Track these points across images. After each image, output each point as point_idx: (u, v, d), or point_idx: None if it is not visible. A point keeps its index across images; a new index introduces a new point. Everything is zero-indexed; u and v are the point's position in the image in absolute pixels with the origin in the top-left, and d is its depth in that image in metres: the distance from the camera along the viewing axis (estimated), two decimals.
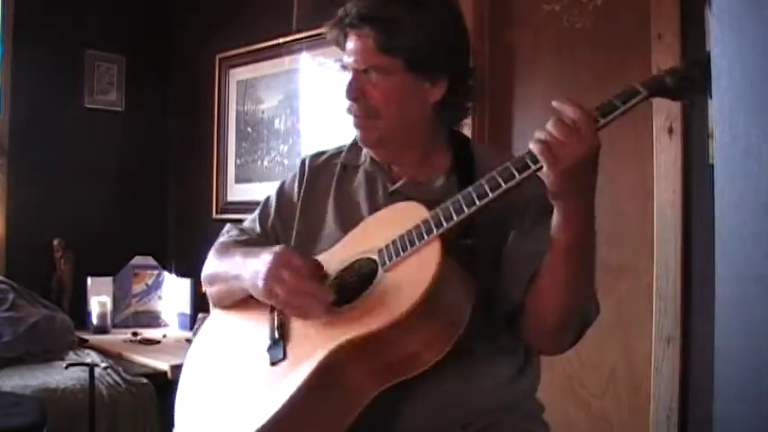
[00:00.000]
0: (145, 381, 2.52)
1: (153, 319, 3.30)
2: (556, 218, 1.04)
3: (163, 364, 2.56)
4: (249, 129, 3.36)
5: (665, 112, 2.02)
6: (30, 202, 3.26)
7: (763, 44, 0.72)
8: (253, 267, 1.17)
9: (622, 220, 2.19)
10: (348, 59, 1.23)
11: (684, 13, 1.99)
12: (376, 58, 1.19)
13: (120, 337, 3.01)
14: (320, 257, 1.21)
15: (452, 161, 1.27)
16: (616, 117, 1.03)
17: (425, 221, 1.08)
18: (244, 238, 1.38)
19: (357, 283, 1.13)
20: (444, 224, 1.06)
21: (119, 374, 2.49)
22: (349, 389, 1.05)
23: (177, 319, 3.28)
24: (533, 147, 0.99)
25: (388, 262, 1.09)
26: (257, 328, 1.19)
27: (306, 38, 2.96)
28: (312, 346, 1.06)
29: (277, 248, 1.16)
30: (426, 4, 1.20)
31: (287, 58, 3.09)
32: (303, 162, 1.39)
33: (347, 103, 1.24)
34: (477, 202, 1.04)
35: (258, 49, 3.24)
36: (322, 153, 1.40)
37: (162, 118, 3.72)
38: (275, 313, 1.18)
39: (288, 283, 1.10)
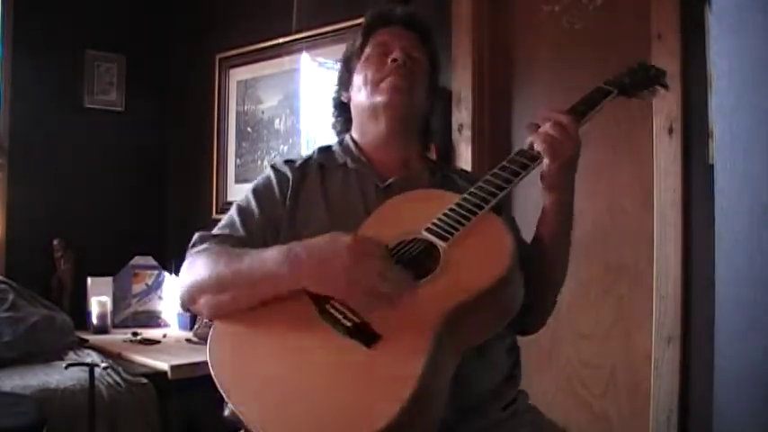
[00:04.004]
0: (145, 381, 2.51)
1: (153, 319, 3.30)
2: (550, 210, 1.24)
3: (163, 364, 2.56)
4: (249, 129, 3.36)
5: (665, 112, 2.02)
6: (30, 202, 3.26)
7: (763, 44, 0.72)
8: (309, 261, 1.12)
9: (622, 220, 2.19)
10: (398, 43, 1.39)
11: (684, 13, 1.99)
12: (419, 51, 1.41)
13: (120, 337, 3.00)
14: None
15: (427, 163, 1.48)
16: (590, 118, 1.25)
17: (466, 200, 1.20)
18: (228, 243, 1.29)
19: (419, 259, 1.17)
20: (492, 199, 1.19)
21: (119, 374, 2.49)
22: (452, 352, 1.09)
23: (177, 319, 3.28)
24: (540, 145, 1.19)
25: (449, 237, 1.16)
26: (306, 323, 1.13)
27: (306, 38, 2.96)
28: (412, 319, 1.08)
29: (343, 237, 1.13)
30: None
31: (287, 58, 3.09)
32: (278, 167, 1.41)
33: (393, 64, 1.37)
34: (514, 179, 1.21)
35: (258, 49, 3.24)
36: (293, 160, 1.45)
37: (162, 118, 3.72)
38: (331, 303, 1.13)
39: (376, 270, 1.09)
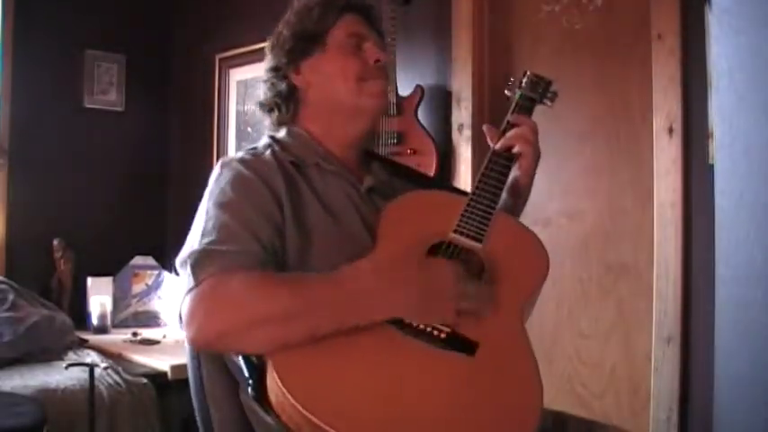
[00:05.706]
0: (145, 381, 2.51)
1: (153, 319, 3.30)
2: (520, 205, 1.34)
3: (163, 364, 2.56)
4: (249, 129, 3.36)
5: (665, 112, 2.02)
6: (30, 202, 3.26)
7: (763, 44, 0.72)
8: (405, 291, 1.07)
9: (622, 220, 2.19)
10: (374, 40, 1.34)
11: (684, 13, 1.99)
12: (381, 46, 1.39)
13: (120, 337, 3.00)
14: (372, 256, 1.16)
15: (374, 161, 1.46)
16: None
17: (476, 201, 1.24)
18: (248, 262, 1.12)
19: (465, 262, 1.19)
20: (498, 198, 1.25)
21: (119, 374, 2.49)
22: None
23: (177, 319, 3.27)
24: (522, 146, 1.29)
25: (482, 237, 1.20)
26: (389, 341, 1.06)
27: None
28: (495, 322, 1.10)
29: (441, 267, 1.11)
30: None
31: None
32: (251, 164, 1.24)
33: (377, 65, 1.32)
34: (505, 179, 1.28)
35: (258, 49, 3.23)
36: (258, 155, 1.28)
37: (162, 118, 3.72)
38: (420, 323, 1.08)
39: (475, 295, 1.11)
